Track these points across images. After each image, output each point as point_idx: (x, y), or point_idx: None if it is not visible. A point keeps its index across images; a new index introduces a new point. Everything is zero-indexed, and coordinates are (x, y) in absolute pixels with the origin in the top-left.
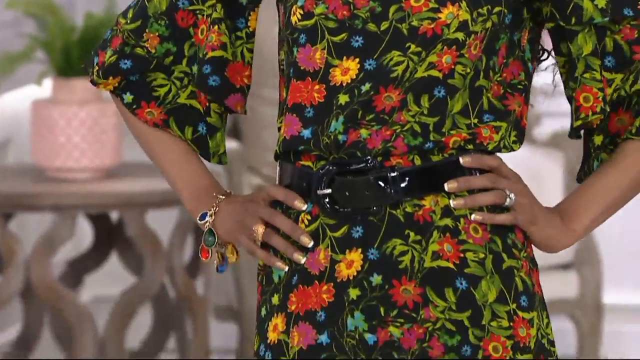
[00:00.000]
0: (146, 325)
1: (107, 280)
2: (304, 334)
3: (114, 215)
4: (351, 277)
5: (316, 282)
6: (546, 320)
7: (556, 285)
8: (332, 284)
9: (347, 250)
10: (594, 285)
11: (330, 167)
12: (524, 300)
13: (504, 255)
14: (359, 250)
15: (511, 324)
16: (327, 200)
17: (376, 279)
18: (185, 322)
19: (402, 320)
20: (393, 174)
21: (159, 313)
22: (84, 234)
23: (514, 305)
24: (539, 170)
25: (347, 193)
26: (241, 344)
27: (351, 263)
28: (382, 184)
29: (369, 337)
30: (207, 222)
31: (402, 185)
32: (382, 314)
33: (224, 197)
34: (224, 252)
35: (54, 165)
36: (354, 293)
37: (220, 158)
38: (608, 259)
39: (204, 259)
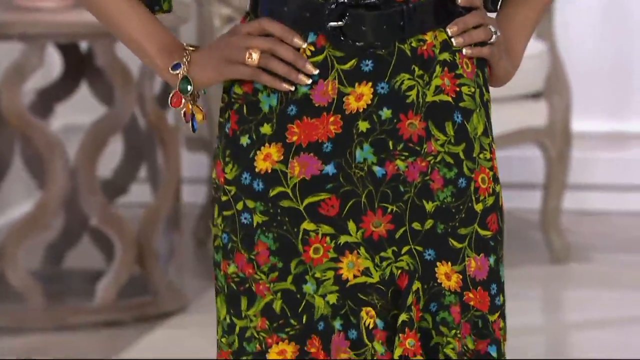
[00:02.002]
0: (117, 155)
1: (78, 109)
2: (306, 164)
3: (84, 45)
4: (360, 110)
5: (324, 113)
6: None
7: (526, 114)
8: (339, 115)
9: (357, 83)
10: (562, 113)
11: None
12: (492, 132)
13: (484, 88)
14: (369, 84)
15: (491, 155)
16: (338, 33)
17: (385, 112)
18: (156, 151)
19: (407, 154)
20: (407, 7)
21: (130, 143)
22: (54, 64)
23: (491, 137)
24: None
25: (362, 27)
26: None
27: (361, 96)
28: (395, 18)
29: (378, 170)
30: (180, 71)
31: (414, 19)
32: (391, 148)
33: (193, 49)
34: (193, 109)
35: None
36: (363, 126)
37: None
38: (577, 87)
39: (174, 107)
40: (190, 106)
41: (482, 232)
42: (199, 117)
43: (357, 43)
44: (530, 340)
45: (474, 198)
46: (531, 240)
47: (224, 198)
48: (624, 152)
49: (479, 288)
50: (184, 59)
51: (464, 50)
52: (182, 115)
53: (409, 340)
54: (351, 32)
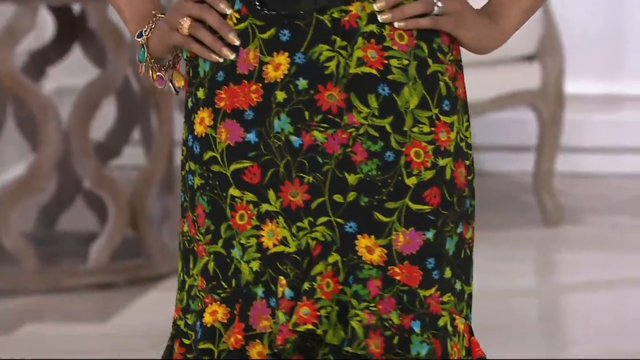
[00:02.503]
0: (110, 118)
1: (70, 71)
2: (231, 130)
3: (76, 7)
4: (278, 80)
5: (245, 81)
6: (466, 123)
7: (518, 77)
8: (260, 84)
9: (275, 53)
10: (556, 76)
11: None
12: (446, 105)
13: (429, 61)
14: (286, 53)
15: (433, 129)
16: (256, 1)
17: (302, 83)
18: (150, 114)
19: (326, 125)
20: None
21: (123, 105)
22: (46, 26)
23: (437, 110)
24: None
25: None
26: None
27: (278, 66)
28: None
29: (295, 140)
30: (141, 39)
31: None
32: (307, 118)
33: (162, 15)
34: (171, 77)
35: None
36: (280, 96)
37: None
38: (570, 49)
39: (140, 73)
40: (156, 73)
41: (415, 207)
42: (179, 82)
43: (273, 12)
44: (523, 303)
45: (404, 172)
46: (524, 203)
47: (181, 158)
48: (617, 114)
49: (406, 262)
50: (149, 27)
51: (396, 24)
52: (153, 81)
53: (304, 308)
54: (270, 1)
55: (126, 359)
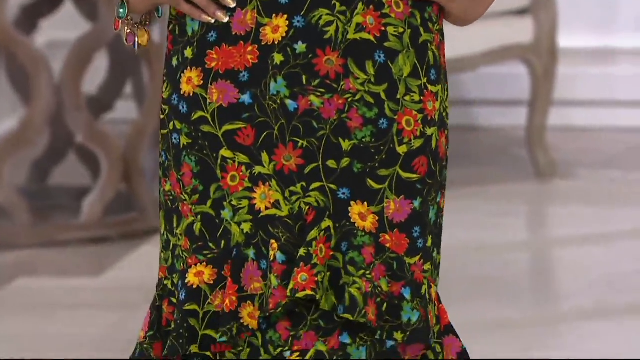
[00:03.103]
0: (102, 71)
1: (62, 25)
2: (224, 91)
3: None
4: (276, 42)
5: (241, 42)
6: (447, 92)
7: (511, 31)
8: (257, 46)
9: (274, 15)
10: (548, 29)
11: None
12: (432, 74)
13: (421, 30)
14: (285, 16)
15: (421, 97)
16: None
17: (300, 46)
18: (142, 68)
19: (323, 90)
20: None
21: (115, 59)
22: None
23: (425, 79)
24: None
25: None
26: None
27: (277, 28)
28: None
29: (290, 104)
30: None
31: None
32: (304, 82)
33: None
34: (136, 32)
35: None
36: (278, 58)
37: None
38: (563, 2)
39: (115, 29)
40: (127, 30)
41: (405, 175)
42: (142, 39)
43: None
44: (515, 257)
45: (396, 140)
46: (517, 157)
47: (161, 116)
48: (610, 67)
49: (395, 230)
50: None
51: None
52: (124, 39)
53: (302, 274)
54: None
55: (120, 312)
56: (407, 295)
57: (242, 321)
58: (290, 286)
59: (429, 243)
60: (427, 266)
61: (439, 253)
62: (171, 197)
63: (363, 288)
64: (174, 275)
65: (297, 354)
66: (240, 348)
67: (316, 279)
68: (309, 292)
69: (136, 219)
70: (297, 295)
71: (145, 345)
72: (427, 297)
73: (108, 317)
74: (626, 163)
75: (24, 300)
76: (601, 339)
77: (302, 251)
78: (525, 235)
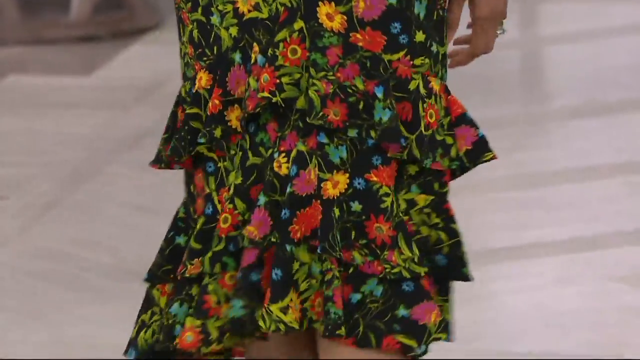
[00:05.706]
0: None
1: None
2: None
3: None
4: None
5: None
6: None
7: None
8: None
9: None
10: None
11: None
12: None
13: None
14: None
15: None
16: None
17: None
18: None
19: None
20: None
21: None
22: None
23: None
24: None
25: None
26: None
27: None
28: None
29: None
30: None
31: None
32: None
33: None
34: None
35: None
36: None
37: None
38: None
39: None
40: None
41: None
42: None
43: None
44: (507, 54)
45: None
46: None
47: None
48: None
49: (367, 28)
50: None
51: None
52: None
53: (264, 75)
54: None
55: (110, 111)
56: (379, 94)
57: (229, 124)
58: (254, 86)
59: (420, 38)
60: (418, 61)
61: (441, 45)
62: (176, 6)
63: (322, 90)
64: (187, 83)
65: (283, 154)
66: (233, 152)
67: (277, 80)
68: (265, 93)
69: (125, 18)
70: (259, 95)
71: (159, 147)
72: (423, 91)
73: (99, 115)
74: None
75: (14, 96)
76: (588, 136)
77: (269, 52)
78: (515, 32)
